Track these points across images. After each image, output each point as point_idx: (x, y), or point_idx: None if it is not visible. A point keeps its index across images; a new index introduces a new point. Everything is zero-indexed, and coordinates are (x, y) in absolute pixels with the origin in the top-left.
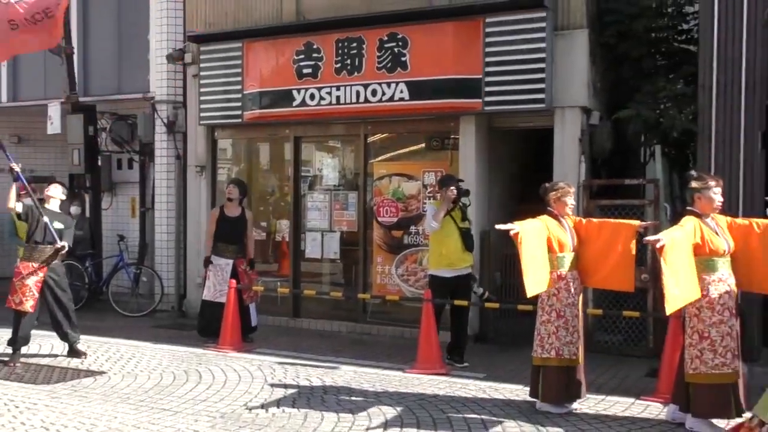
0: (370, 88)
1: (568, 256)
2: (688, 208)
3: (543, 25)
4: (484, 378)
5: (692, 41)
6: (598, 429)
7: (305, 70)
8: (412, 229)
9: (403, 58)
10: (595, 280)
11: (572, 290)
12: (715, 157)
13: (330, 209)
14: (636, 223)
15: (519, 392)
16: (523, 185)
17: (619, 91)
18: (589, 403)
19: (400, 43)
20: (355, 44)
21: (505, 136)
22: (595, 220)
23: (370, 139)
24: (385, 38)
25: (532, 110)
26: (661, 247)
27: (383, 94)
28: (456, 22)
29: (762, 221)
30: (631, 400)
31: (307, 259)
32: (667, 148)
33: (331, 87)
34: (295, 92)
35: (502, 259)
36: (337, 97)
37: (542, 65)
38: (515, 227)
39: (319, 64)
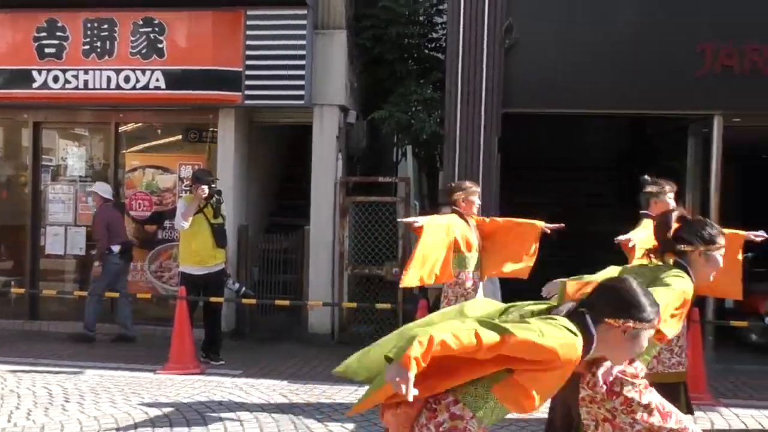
0: (122, 74)
1: (474, 256)
2: (643, 211)
3: (304, 22)
4: (241, 375)
5: (441, 49)
6: (352, 418)
7: (48, 50)
8: (167, 223)
9: (159, 45)
10: (497, 272)
11: (479, 291)
12: (459, 159)
13: (75, 202)
14: (540, 223)
15: (276, 387)
16: (282, 180)
17: (374, 92)
18: (343, 394)
19: (157, 29)
20: (106, 26)
21: (266, 131)
22: (498, 219)
23: (122, 128)
24: (140, 22)
25: (292, 106)
26: (633, 247)
27: (137, 81)
28: (216, 12)
29: None
30: None
31: (48, 255)
32: (418, 149)
33: (78, 70)
34: (35, 73)
35: (260, 254)
36: (85, 82)
37: (302, 62)
38: (419, 220)
39: (65, 44)
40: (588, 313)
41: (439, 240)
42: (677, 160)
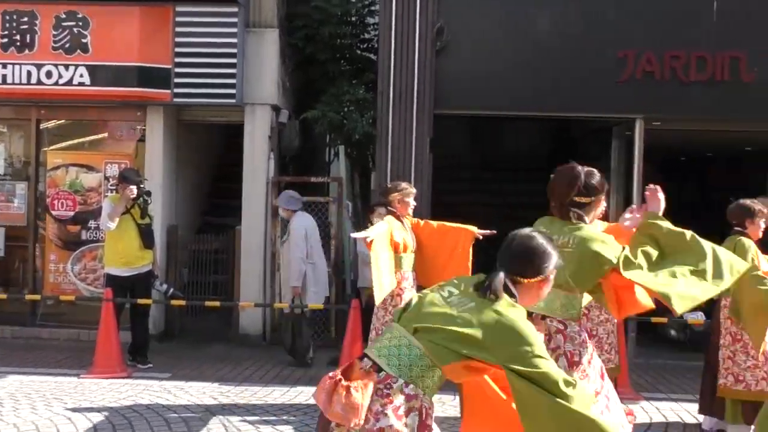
0: (44, 69)
1: (409, 257)
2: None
3: (235, 20)
4: (169, 378)
5: (373, 50)
6: (284, 419)
7: None
8: (92, 223)
9: (83, 40)
10: (434, 281)
11: (413, 291)
12: (391, 160)
13: None
14: (474, 229)
15: (206, 390)
16: (216, 179)
17: (306, 92)
18: (275, 395)
19: (81, 23)
20: (26, 18)
21: (196, 129)
22: (432, 222)
23: (44, 125)
24: (63, 16)
25: (223, 105)
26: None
27: (60, 76)
28: (144, 7)
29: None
30: (314, 388)
31: None
32: (350, 149)
33: None
34: None
35: (190, 254)
36: (4, 76)
37: (233, 60)
38: (370, 235)
39: None
40: (509, 278)
41: (387, 248)
42: (602, 162)
